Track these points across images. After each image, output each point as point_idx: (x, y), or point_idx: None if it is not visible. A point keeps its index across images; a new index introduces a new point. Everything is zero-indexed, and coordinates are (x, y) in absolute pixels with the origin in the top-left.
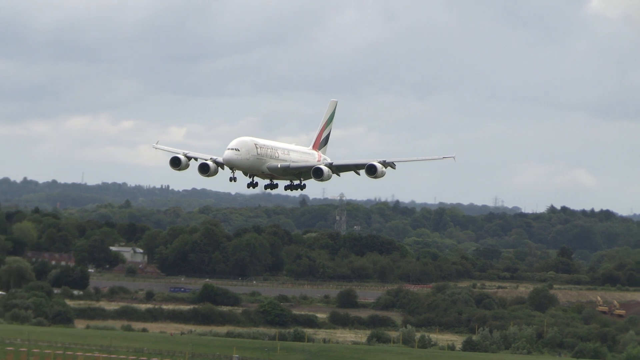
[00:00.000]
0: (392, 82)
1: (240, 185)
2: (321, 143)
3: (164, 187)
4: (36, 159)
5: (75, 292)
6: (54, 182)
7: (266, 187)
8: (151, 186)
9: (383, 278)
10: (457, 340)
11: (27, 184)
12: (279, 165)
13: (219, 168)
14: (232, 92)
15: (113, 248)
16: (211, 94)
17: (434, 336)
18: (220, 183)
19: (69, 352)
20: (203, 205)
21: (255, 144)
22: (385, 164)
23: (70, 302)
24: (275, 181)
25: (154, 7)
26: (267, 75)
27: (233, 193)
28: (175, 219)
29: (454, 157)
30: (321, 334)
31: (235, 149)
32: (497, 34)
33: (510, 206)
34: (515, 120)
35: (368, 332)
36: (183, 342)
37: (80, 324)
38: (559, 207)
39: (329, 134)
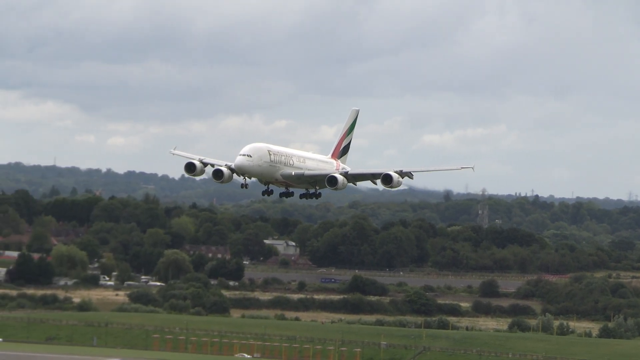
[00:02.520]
0: (530, 82)
1: None
2: (341, 152)
3: None
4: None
5: (231, 283)
6: (211, 179)
7: (281, 195)
8: None
9: (523, 269)
10: (594, 327)
11: (185, 181)
12: (292, 173)
13: (234, 174)
14: (380, 93)
15: (267, 241)
16: (360, 95)
17: (572, 324)
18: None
19: (225, 340)
20: (352, 201)
21: (269, 151)
22: (402, 173)
23: (226, 293)
24: (290, 189)
25: (305, 12)
26: (412, 76)
27: (380, 189)
28: (326, 213)
29: (472, 168)
30: (464, 322)
31: (248, 155)
32: (630, 35)
33: None
34: None
35: (509, 320)
36: (333, 330)
37: (235, 313)
38: None
39: (349, 143)
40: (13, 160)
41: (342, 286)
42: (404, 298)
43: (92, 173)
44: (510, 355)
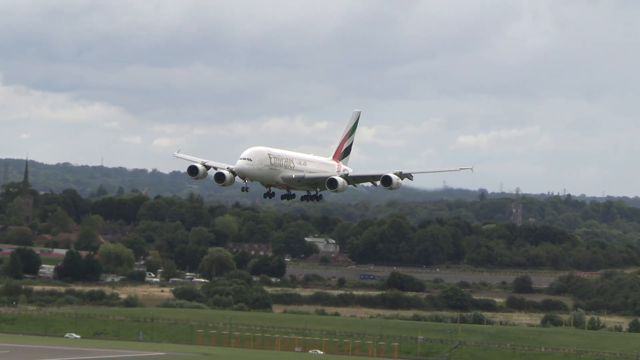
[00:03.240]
0: (562, 85)
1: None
2: (342, 154)
3: None
4: (237, 158)
5: (273, 279)
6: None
7: (282, 197)
8: None
9: (555, 265)
10: (624, 322)
11: None
12: (293, 176)
13: (236, 177)
14: (417, 96)
15: (308, 239)
16: (397, 97)
17: (603, 319)
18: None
19: (267, 335)
20: (390, 200)
21: (269, 154)
22: (401, 175)
23: (268, 289)
24: (292, 191)
25: (345, 17)
26: (448, 79)
27: (417, 188)
28: (365, 212)
29: (471, 169)
30: (499, 317)
31: (248, 159)
32: None
33: None
34: None
35: (542, 315)
36: (372, 325)
37: (277, 309)
38: None
39: (350, 145)
40: (62, 161)
41: (380, 282)
42: (440, 294)
43: (138, 173)
44: (542, 349)
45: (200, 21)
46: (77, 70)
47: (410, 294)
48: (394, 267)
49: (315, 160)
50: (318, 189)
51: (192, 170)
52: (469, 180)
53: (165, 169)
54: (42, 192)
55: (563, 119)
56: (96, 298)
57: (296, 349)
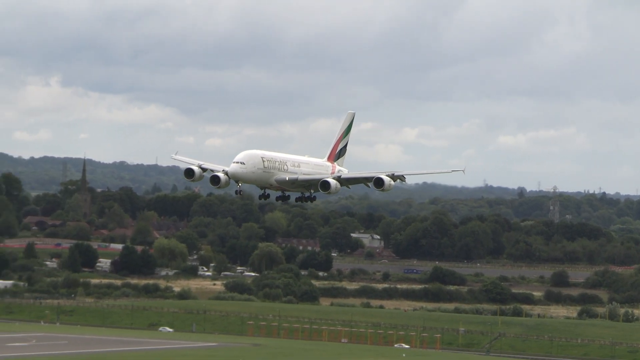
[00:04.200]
0: (598, 87)
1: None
2: (337, 155)
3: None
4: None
5: (320, 273)
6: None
7: (277, 198)
8: None
9: (591, 261)
10: None
11: None
12: (287, 178)
13: (231, 180)
14: (458, 97)
15: (353, 235)
16: (440, 99)
17: (637, 312)
18: (449, 177)
19: (314, 327)
20: (432, 197)
21: (262, 157)
22: (394, 176)
23: (315, 282)
24: (286, 193)
25: (390, 23)
26: (488, 82)
27: (459, 186)
28: (408, 209)
29: (463, 171)
30: (537, 309)
31: (241, 163)
32: None
33: None
34: None
35: (578, 308)
36: (415, 317)
37: (324, 302)
38: None
39: (345, 146)
40: (118, 160)
41: (423, 276)
42: (480, 287)
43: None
44: (579, 341)
45: (251, 26)
46: (133, 73)
47: (451, 287)
48: (436, 262)
49: (309, 162)
50: (312, 191)
51: (189, 172)
52: (508, 179)
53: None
54: (99, 190)
55: (598, 119)
56: (151, 291)
57: (342, 340)
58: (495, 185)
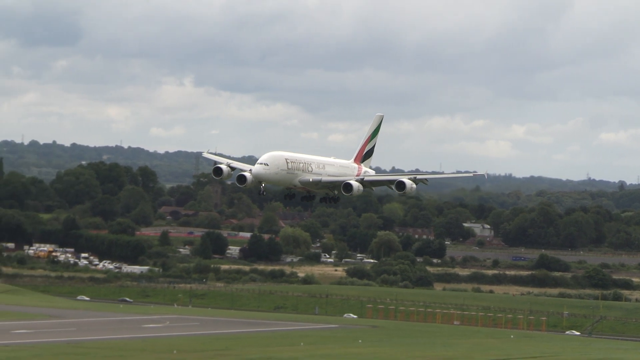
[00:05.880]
0: None
1: (570, 173)
2: (364, 156)
3: (506, 174)
4: (403, 152)
5: (434, 260)
6: (417, 170)
7: (302, 199)
8: (496, 174)
9: None
10: None
11: (395, 172)
12: (310, 179)
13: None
14: (563, 97)
15: (465, 224)
16: (546, 99)
17: None
18: (554, 171)
19: (429, 310)
20: (539, 190)
21: (286, 159)
22: (415, 180)
23: (430, 269)
24: (312, 193)
25: (500, 28)
26: (592, 83)
27: (564, 179)
28: (516, 200)
29: (485, 174)
30: (636, 294)
31: (265, 164)
32: None
33: None
34: None
35: None
36: (522, 302)
37: (438, 287)
38: None
39: (372, 147)
40: (247, 154)
41: (530, 263)
42: (583, 274)
43: None
44: None
45: (371, 30)
46: (261, 74)
47: (556, 274)
48: (543, 250)
49: (334, 164)
50: (336, 192)
51: (217, 171)
52: (609, 172)
53: None
54: (229, 182)
55: None
56: (277, 276)
57: (455, 322)
58: (597, 178)
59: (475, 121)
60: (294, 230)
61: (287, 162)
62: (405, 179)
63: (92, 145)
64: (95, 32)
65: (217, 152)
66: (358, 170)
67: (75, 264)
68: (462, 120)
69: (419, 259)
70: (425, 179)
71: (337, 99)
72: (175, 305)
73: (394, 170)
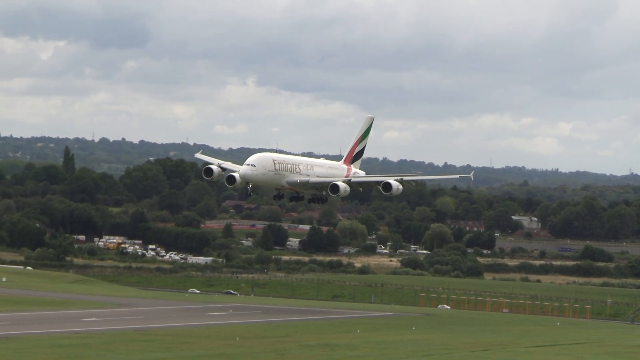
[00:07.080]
0: None
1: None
2: (354, 157)
3: (553, 169)
4: (455, 149)
5: (485, 251)
6: (468, 166)
7: (291, 199)
8: (544, 169)
9: None
10: None
11: (447, 168)
12: (298, 180)
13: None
14: (608, 96)
15: (514, 217)
16: (591, 97)
17: None
18: (598, 166)
19: (479, 298)
20: (584, 184)
21: (274, 160)
22: (402, 181)
23: (480, 259)
24: (300, 193)
25: (547, 29)
26: (635, 82)
27: (608, 174)
28: (563, 194)
29: (470, 176)
30: None
31: (252, 165)
32: None
33: None
34: None
35: None
36: (568, 290)
37: (488, 276)
38: None
39: (362, 149)
40: (306, 150)
41: (575, 254)
42: (626, 264)
43: (371, 161)
44: None
45: (425, 33)
46: (320, 74)
47: (600, 264)
48: (587, 241)
49: (323, 165)
50: (324, 192)
51: (208, 171)
52: None
53: (394, 158)
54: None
55: None
56: (335, 267)
57: (504, 310)
58: (639, 173)
59: (524, 119)
60: (351, 223)
61: (275, 163)
62: (391, 181)
63: (159, 142)
64: (163, 34)
65: (278, 148)
66: (347, 171)
67: (143, 255)
68: (511, 118)
69: (469, 250)
70: (413, 181)
71: (392, 97)
72: (238, 295)
73: (446, 166)
